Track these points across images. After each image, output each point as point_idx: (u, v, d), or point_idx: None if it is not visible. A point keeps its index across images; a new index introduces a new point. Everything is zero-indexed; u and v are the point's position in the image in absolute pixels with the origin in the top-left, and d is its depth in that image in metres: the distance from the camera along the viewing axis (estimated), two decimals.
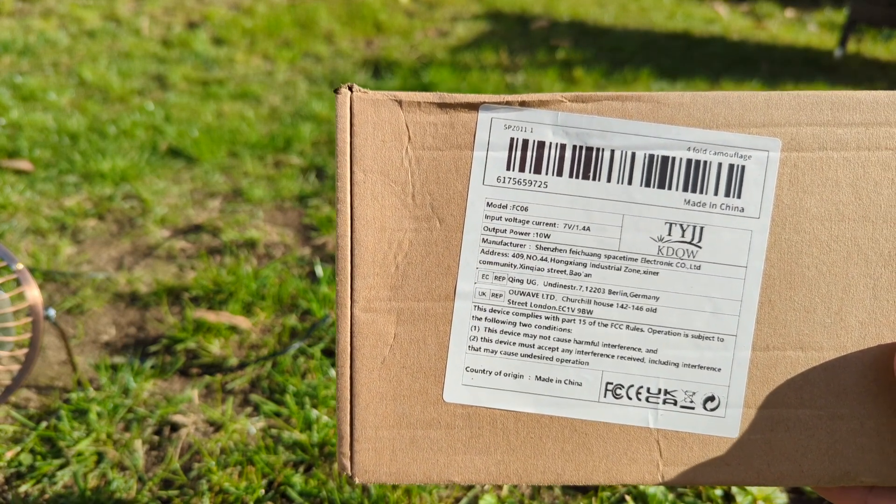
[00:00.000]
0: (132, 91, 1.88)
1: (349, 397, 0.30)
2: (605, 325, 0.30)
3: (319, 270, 0.97)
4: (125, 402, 0.71)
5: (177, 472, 0.64)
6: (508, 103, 0.29)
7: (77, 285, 0.94)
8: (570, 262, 0.29)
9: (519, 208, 0.30)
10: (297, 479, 0.62)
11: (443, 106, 0.29)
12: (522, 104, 0.29)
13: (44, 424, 0.68)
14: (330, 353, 0.80)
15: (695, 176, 0.29)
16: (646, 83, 2.19)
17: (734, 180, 0.29)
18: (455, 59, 2.41)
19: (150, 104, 1.76)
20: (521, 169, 0.29)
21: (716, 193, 0.29)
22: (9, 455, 0.65)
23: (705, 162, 0.29)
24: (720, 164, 0.29)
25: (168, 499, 0.61)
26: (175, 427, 0.69)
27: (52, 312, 0.66)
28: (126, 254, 1.04)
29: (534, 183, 0.29)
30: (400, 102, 0.29)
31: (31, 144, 1.44)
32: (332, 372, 0.76)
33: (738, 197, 0.29)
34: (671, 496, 0.62)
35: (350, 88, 0.29)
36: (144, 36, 2.42)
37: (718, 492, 0.62)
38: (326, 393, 0.72)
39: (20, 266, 0.60)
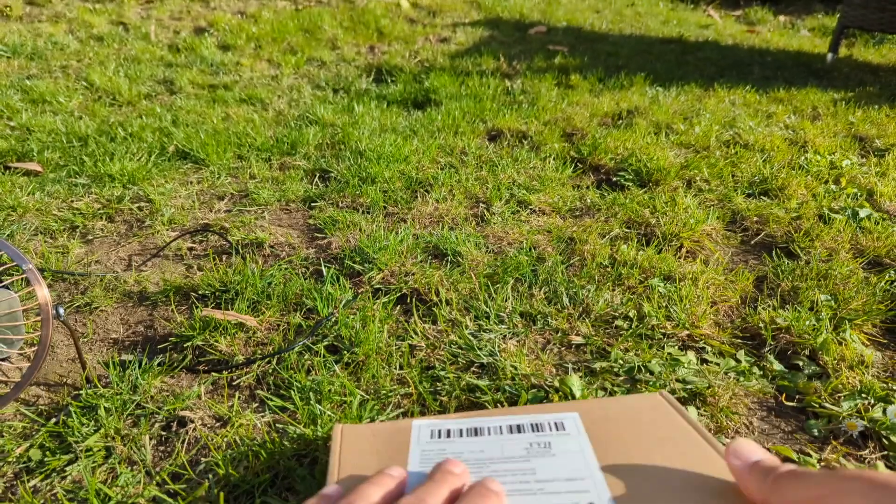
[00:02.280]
0: (140, 95, 1.89)
1: None
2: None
3: (324, 270, 0.99)
4: (133, 398, 0.72)
5: (184, 466, 0.65)
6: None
7: (86, 285, 0.96)
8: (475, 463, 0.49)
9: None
10: (302, 471, 0.63)
11: None
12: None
13: (53, 421, 0.69)
14: (334, 350, 0.81)
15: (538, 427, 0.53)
16: (641, 87, 2.20)
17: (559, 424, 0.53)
18: (455, 65, 2.42)
19: (158, 108, 1.77)
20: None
21: (551, 430, 0.52)
22: (18, 451, 0.66)
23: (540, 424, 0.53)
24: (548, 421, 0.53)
25: (175, 492, 0.62)
26: (182, 422, 0.70)
27: (61, 311, 0.68)
28: (135, 254, 1.06)
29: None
30: None
31: (40, 147, 1.46)
32: (336, 368, 0.77)
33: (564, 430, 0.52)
34: None
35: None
36: (152, 41, 2.44)
37: None
38: (330, 388, 0.73)
39: (30, 266, 0.61)
